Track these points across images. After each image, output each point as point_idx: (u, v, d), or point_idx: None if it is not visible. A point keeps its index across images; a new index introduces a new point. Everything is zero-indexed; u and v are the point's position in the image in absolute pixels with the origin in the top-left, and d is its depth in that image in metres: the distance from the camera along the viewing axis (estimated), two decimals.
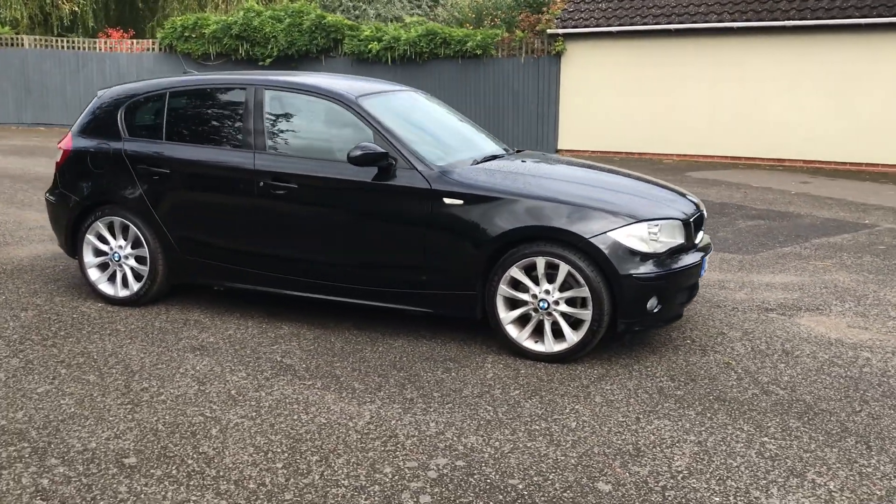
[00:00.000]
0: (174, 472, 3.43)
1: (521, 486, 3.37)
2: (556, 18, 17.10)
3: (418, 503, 3.22)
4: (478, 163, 5.32)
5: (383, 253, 5.08)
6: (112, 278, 5.82)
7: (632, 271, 4.58)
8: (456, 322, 5.36)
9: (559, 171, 5.49)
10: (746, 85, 15.56)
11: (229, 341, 5.07)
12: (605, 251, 4.57)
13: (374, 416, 4.02)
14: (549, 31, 17.09)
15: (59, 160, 6.03)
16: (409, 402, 4.20)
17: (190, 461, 3.52)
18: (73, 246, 5.95)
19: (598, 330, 4.65)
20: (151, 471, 3.43)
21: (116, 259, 5.76)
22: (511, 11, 20.79)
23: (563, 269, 4.64)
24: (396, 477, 3.43)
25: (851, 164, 14.80)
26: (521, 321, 4.85)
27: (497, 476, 3.45)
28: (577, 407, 4.17)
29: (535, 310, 4.76)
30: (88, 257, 5.84)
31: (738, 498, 3.30)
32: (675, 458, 3.63)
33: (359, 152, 4.92)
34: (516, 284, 4.79)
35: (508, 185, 4.92)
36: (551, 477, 3.45)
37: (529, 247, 4.72)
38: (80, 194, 5.82)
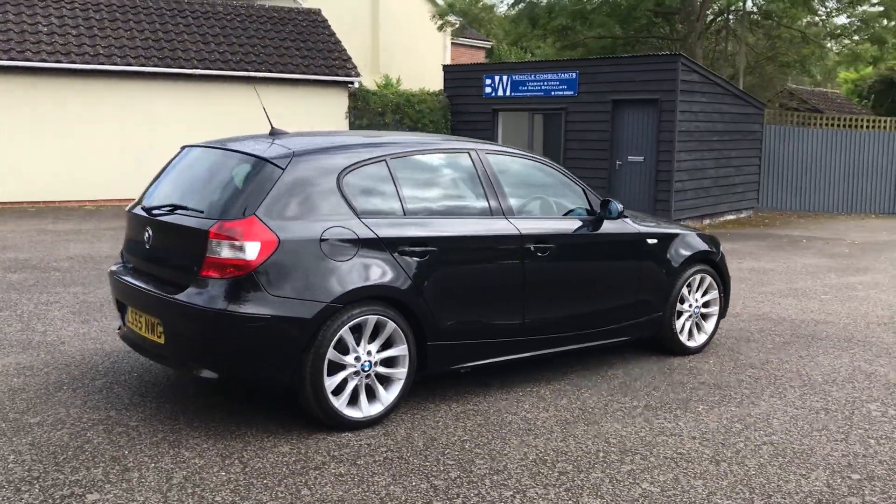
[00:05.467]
0: None
1: None
2: None
3: None
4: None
5: (619, 294, 5.74)
6: (353, 398, 4.44)
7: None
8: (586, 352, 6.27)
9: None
10: (156, 126, 15.83)
11: (570, 415, 4.93)
12: (723, 263, 6.49)
13: (802, 412, 5.21)
14: None
15: (251, 258, 4.11)
16: (752, 397, 5.41)
17: None
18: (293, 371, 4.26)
19: (719, 321, 6.51)
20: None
21: (366, 369, 4.44)
22: None
23: (707, 280, 6.33)
24: None
25: None
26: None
27: None
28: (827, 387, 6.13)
29: (691, 316, 6.29)
30: (328, 379, 4.29)
31: None
32: None
33: (620, 207, 5.52)
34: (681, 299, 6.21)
35: (665, 224, 6.27)
36: None
37: (692, 267, 6.20)
38: (321, 296, 4.22)
